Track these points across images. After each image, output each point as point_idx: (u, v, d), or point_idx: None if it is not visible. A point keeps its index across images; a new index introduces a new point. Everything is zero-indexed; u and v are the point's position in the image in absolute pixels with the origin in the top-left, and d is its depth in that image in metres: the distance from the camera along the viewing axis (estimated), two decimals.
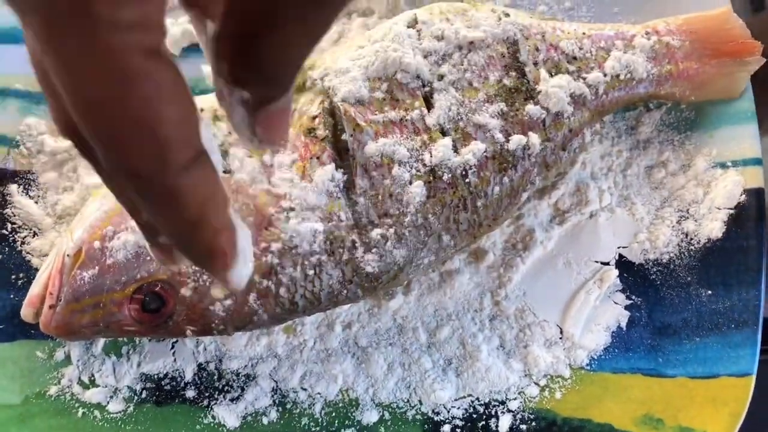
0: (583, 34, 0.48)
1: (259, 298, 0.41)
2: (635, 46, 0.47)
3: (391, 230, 0.42)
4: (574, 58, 0.47)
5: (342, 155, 0.42)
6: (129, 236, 0.40)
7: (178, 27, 0.51)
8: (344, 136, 0.42)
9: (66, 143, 0.49)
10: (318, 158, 0.41)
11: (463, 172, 0.43)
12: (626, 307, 0.50)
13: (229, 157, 0.41)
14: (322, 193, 0.41)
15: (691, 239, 0.50)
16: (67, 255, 0.41)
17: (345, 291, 0.42)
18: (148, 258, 0.40)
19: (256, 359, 0.46)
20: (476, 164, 0.43)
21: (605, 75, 0.46)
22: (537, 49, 0.46)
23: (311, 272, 0.41)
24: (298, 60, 0.22)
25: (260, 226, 0.40)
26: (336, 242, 0.41)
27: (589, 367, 0.48)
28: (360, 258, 0.41)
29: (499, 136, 0.43)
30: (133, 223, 0.40)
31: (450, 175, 0.42)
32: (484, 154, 0.43)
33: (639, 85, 0.48)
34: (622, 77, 0.47)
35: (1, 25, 0.49)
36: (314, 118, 0.42)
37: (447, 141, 0.42)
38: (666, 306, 0.49)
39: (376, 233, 0.41)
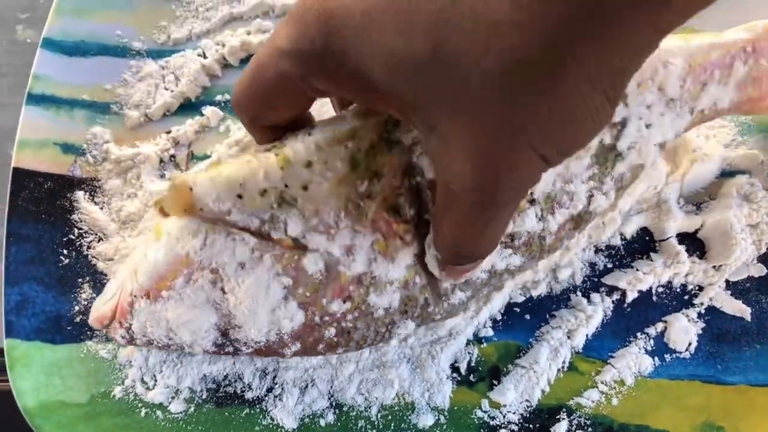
0: (689, 66, 0.41)
1: (327, 349, 0.40)
2: (731, 74, 0.42)
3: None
4: (672, 99, 0.40)
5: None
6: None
7: (237, 38, 0.52)
8: (427, 216, 0.38)
9: (130, 151, 0.50)
10: (401, 238, 0.38)
11: (541, 236, 0.40)
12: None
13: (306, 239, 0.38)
14: (403, 268, 0.38)
15: (752, 243, 0.49)
16: (134, 296, 0.39)
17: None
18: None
19: (312, 368, 0.47)
20: (555, 230, 0.41)
21: (692, 114, 0.41)
22: (645, 98, 0.40)
23: (383, 330, 0.40)
24: (491, 249, 0.32)
25: (339, 299, 0.38)
26: (410, 302, 0.40)
27: (646, 373, 0.47)
28: (431, 311, 0.41)
29: (584, 200, 0.40)
30: (196, 276, 0.37)
31: (527, 238, 0.40)
32: (565, 219, 0.40)
33: (716, 115, 0.44)
34: (706, 112, 0.42)
35: (70, 39, 0.52)
36: (397, 191, 0.37)
37: (531, 212, 0.39)
38: (724, 312, 0.48)
39: (445, 284, 0.40)
